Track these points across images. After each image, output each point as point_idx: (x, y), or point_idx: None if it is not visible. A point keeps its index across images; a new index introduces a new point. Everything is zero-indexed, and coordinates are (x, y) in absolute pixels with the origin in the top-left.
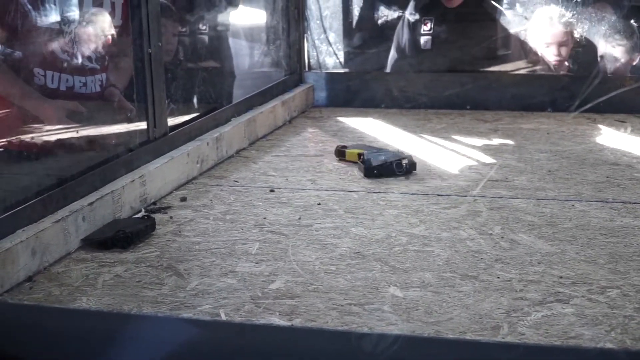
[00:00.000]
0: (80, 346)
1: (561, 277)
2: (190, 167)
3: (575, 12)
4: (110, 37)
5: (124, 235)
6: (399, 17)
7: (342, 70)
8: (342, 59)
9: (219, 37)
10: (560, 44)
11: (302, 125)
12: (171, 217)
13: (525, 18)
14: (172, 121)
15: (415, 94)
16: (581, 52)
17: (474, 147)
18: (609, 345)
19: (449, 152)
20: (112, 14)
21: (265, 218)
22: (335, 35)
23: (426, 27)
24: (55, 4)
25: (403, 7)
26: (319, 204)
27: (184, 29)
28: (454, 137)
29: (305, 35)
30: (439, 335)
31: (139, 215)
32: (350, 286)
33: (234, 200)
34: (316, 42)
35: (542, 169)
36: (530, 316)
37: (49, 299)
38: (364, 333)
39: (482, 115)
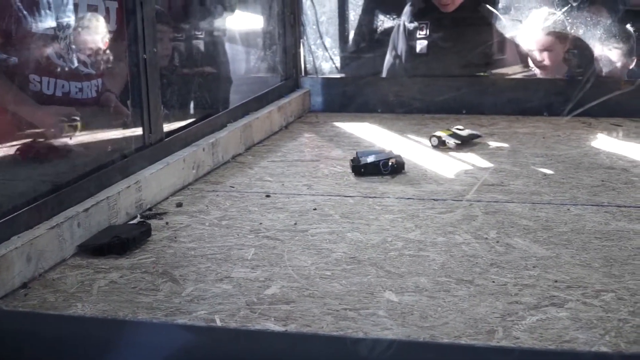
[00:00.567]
0: (76, 352)
1: (556, 281)
2: (186, 173)
3: (568, 16)
4: (105, 42)
5: (119, 242)
6: (394, 22)
7: (338, 76)
8: (338, 64)
9: (215, 43)
10: (547, 49)
11: (298, 131)
12: (167, 223)
13: (520, 22)
14: (168, 127)
15: (411, 98)
16: (576, 56)
17: (469, 151)
18: (604, 349)
19: (445, 157)
20: (107, 19)
21: (261, 223)
22: (331, 41)
23: (422, 32)
24: (50, 10)
25: (399, 12)
26: (314, 209)
27: (179, 34)
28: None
29: (301, 40)
30: (434, 340)
31: (135, 221)
32: (346, 291)
33: (229, 206)
34: (312, 47)
35: (537, 173)
36: (525, 320)
37: (44, 305)
38: (359, 338)
39: (478, 120)
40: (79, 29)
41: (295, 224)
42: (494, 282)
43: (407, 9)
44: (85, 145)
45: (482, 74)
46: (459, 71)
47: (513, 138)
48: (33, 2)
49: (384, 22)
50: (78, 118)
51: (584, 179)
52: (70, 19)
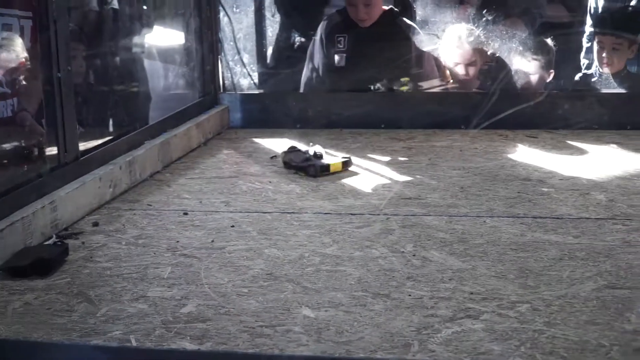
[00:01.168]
0: None
1: (472, 293)
2: (102, 192)
3: (485, 30)
4: (20, 61)
5: (42, 263)
6: (312, 37)
7: (256, 91)
8: (256, 80)
9: (133, 59)
10: (467, 63)
11: (217, 147)
12: (83, 243)
13: (437, 36)
14: (84, 145)
15: (330, 113)
16: (493, 69)
17: (387, 164)
18: None
19: (363, 171)
20: (22, 37)
21: (178, 242)
22: (249, 57)
23: (340, 45)
24: None
25: (316, 27)
26: (232, 226)
27: (95, 52)
28: (369, 155)
29: (219, 56)
30: (349, 356)
31: (51, 241)
32: (262, 308)
33: (146, 225)
34: (230, 63)
35: (454, 186)
36: (441, 333)
37: None
38: (274, 355)
39: (396, 134)
40: None
41: (213, 241)
42: (410, 295)
43: (323, 23)
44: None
45: (403, 87)
46: (376, 85)
47: (431, 151)
48: None
49: (301, 38)
50: None
51: (500, 190)
52: None
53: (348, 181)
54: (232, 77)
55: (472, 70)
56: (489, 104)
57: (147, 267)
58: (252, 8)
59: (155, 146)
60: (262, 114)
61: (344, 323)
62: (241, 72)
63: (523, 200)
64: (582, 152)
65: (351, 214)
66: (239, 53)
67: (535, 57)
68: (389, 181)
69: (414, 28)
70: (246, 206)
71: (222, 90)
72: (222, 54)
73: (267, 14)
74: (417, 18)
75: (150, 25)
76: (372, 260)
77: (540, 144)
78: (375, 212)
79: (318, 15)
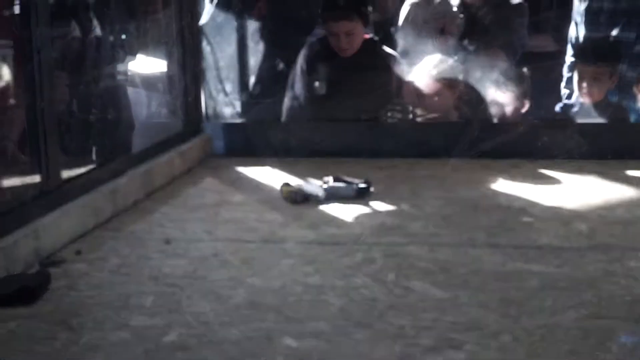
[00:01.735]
0: None
1: (454, 323)
2: (85, 220)
3: (465, 60)
4: (2, 89)
5: (27, 291)
6: (293, 66)
7: (239, 120)
8: (239, 109)
9: (116, 87)
10: (435, 95)
11: (199, 176)
12: (65, 271)
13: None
14: (66, 173)
15: (312, 142)
16: (467, 102)
17: (369, 194)
18: None
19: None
20: (4, 66)
21: (160, 270)
22: (231, 86)
23: (320, 74)
24: None
25: (296, 56)
26: (215, 255)
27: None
28: None
29: (201, 85)
30: None
31: (33, 270)
32: (244, 337)
33: (129, 253)
34: (213, 92)
35: (436, 215)
36: None
37: None
38: None
39: (378, 163)
40: None
41: (195, 270)
42: (392, 325)
43: (304, 51)
44: None
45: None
46: (358, 114)
47: (412, 180)
48: None
49: (283, 66)
50: None
51: (481, 220)
52: None
53: (330, 210)
54: (215, 105)
55: (438, 102)
56: (469, 134)
57: (129, 295)
58: (235, 37)
59: (138, 175)
60: (244, 143)
61: (326, 353)
62: (224, 101)
63: (505, 230)
64: (563, 182)
65: (333, 243)
66: (221, 82)
67: (512, 87)
68: (371, 210)
69: (395, 57)
70: (229, 235)
71: (205, 119)
72: (205, 82)
73: (250, 43)
74: (399, 48)
75: (133, 54)
76: (354, 290)
77: (523, 173)
78: (357, 242)
79: (302, 44)
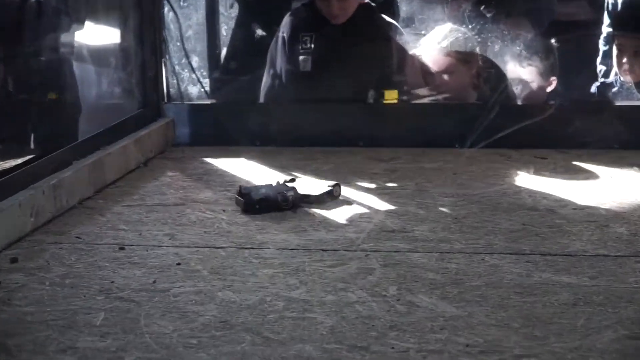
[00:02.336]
0: None
1: (467, 345)
2: (22, 222)
3: (482, 31)
4: None
5: None
6: (273, 36)
7: (208, 102)
8: (208, 88)
9: (60, 62)
10: (446, 72)
11: (160, 168)
12: None
13: (424, 36)
14: (0, 165)
15: (296, 128)
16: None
17: (366, 190)
18: None
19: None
20: None
21: (113, 282)
22: (199, 60)
23: (305, 45)
24: None
25: (278, 23)
26: (178, 263)
27: (14, 53)
28: (343, 179)
29: (163, 59)
30: None
31: None
32: None
33: (75, 261)
34: (176, 67)
35: (447, 217)
36: None
37: None
38: None
39: (377, 154)
40: None
41: (155, 282)
42: (393, 348)
43: (286, 19)
44: None
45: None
46: (352, 95)
47: (418, 175)
48: None
49: (262, 36)
50: None
51: (501, 222)
52: None
53: (318, 210)
54: (178, 83)
55: (448, 80)
56: (488, 119)
57: (75, 312)
58: (203, 2)
59: (86, 167)
60: (214, 128)
61: None
62: (189, 78)
63: (529, 234)
64: (599, 176)
65: (322, 250)
66: (186, 55)
67: (538, 62)
68: (367, 210)
69: (396, 27)
70: (195, 240)
71: (166, 100)
72: (167, 56)
73: (222, 9)
74: (401, 15)
75: (80, 21)
76: (348, 306)
77: (550, 167)
78: (351, 248)
79: (285, 9)
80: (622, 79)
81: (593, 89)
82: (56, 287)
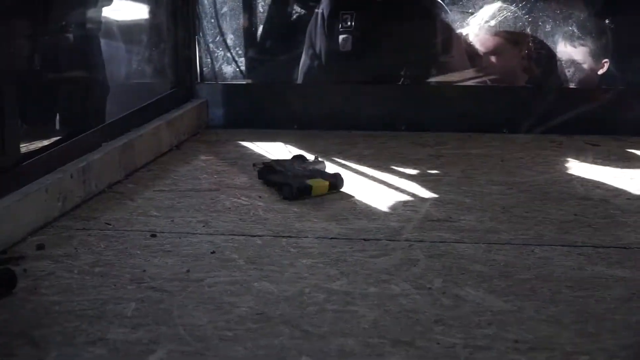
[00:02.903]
0: None
1: (516, 341)
2: (49, 206)
3: (532, 9)
4: None
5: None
6: (312, 13)
7: (243, 82)
8: (243, 67)
9: (88, 40)
10: (494, 53)
11: (193, 152)
12: (25, 270)
13: (473, 15)
14: (26, 147)
15: (336, 110)
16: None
17: (410, 177)
18: None
19: (378, 185)
20: None
21: (144, 271)
22: (234, 38)
23: (345, 24)
24: None
25: (318, 0)
26: (212, 252)
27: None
28: (386, 165)
29: (196, 37)
30: None
31: None
32: (252, 356)
33: (104, 248)
34: (211, 45)
35: (494, 205)
36: None
37: None
38: None
39: (420, 138)
40: None
41: (188, 271)
42: (439, 343)
43: None
44: None
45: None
46: (394, 76)
47: (464, 161)
48: None
49: (301, 13)
50: None
51: (552, 212)
52: None
53: (360, 198)
54: (212, 63)
55: (496, 61)
56: (540, 103)
57: (105, 302)
58: None
59: (116, 149)
60: (250, 110)
61: None
62: (224, 57)
63: (581, 225)
64: None
65: (364, 240)
66: (221, 33)
67: (590, 44)
68: (411, 198)
69: (441, 4)
70: (230, 227)
71: (199, 80)
72: (201, 34)
73: None
74: None
75: None
76: (391, 299)
77: (603, 154)
78: (394, 238)
79: None
80: None
81: None
82: (85, 275)
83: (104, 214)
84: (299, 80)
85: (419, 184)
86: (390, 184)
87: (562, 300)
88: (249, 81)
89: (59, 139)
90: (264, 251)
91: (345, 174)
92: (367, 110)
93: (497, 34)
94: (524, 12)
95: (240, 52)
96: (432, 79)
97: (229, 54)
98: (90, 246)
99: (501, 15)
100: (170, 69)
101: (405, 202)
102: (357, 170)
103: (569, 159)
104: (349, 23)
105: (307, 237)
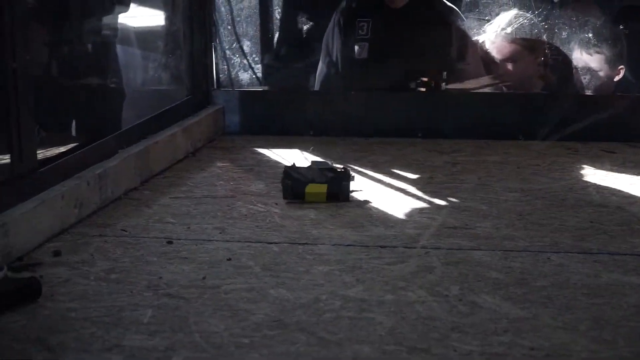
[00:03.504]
0: None
1: (532, 349)
2: (65, 213)
3: (548, 16)
4: None
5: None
6: (329, 21)
7: (260, 88)
8: (260, 74)
9: (105, 46)
10: (510, 60)
11: (209, 158)
12: (41, 277)
13: (489, 22)
14: (42, 154)
15: (352, 117)
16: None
17: (426, 185)
18: None
19: (394, 192)
20: None
21: (160, 277)
22: (251, 44)
23: (362, 32)
24: None
25: (334, 7)
26: (229, 259)
27: (59, 36)
28: (402, 172)
29: (213, 44)
30: None
31: (1, 274)
32: None
33: (121, 255)
34: (227, 52)
35: (510, 213)
36: None
37: None
38: None
39: (437, 145)
40: None
41: (204, 278)
42: (455, 350)
43: (342, 3)
44: None
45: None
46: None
47: (480, 168)
48: None
49: (317, 21)
50: None
51: (568, 219)
52: None
53: (376, 205)
54: (229, 69)
55: (513, 69)
56: (556, 110)
57: (122, 308)
58: None
59: (132, 156)
60: (266, 117)
61: None
62: (240, 64)
63: (597, 232)
64: None
65: (380, 247)
66: (238, 40)
67: (606, 50)
68: (427, 205)
69: (457, 12)
70: (246, 234)
71: (216, 87)
72: (217, 40)
73: None
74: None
75: (126, 3)
76: (408, 306)
77: (619, 161)
78: (411, 245)
79: None
80: None
81: None
82: (101, 282)
83: (120, 221)
84: (316, 87)
85: (435, 191)
86: (407, 191)
87: (578, 307)
88: (266, 88)
89: (76, 146)
90: (280, 258)
91: (360, 180)
92: (383, 118)
93: (513, 41)
94: (540, 19)
95: (256, 58)
96: (449, 86)
97: (245, 61)
98: (106, 253)
99: (517, 22)
100: (186, 76)
101: (421, 209)
102: (374, 177)
103: (584, 166)
104: (365, 31)
105: (323, 244)
